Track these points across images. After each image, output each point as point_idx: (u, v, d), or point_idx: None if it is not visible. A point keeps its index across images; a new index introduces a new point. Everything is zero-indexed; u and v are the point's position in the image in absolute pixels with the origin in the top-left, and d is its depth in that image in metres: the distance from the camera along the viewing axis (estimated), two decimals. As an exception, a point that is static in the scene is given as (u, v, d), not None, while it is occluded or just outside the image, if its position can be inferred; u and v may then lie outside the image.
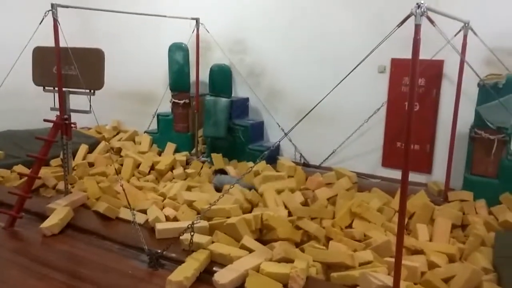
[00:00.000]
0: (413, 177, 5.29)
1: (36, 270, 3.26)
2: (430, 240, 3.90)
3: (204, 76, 6.24)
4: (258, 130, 6.30)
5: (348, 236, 3.90)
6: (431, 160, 5.31)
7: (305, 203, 4.64)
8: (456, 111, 4.68)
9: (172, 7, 6.63)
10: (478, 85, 4.50)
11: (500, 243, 3.53)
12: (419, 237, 3.88)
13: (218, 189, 5.10)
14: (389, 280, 2.78)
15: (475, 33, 4.44)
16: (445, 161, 4.85)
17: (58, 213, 3.93)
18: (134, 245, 3.53)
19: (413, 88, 2.59)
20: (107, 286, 3.05)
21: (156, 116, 6.74)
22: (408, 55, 2.52)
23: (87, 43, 4.83)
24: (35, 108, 5.22)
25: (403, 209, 2.62)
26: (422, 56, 4.87)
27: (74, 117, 4.53)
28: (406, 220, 4.28)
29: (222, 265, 3.14)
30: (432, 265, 3.36)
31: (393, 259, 2.75)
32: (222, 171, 5.67)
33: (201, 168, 5.79)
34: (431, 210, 4.25)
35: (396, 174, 5.22)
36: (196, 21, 6.02)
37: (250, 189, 4.81)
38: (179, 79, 6.33)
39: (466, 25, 4.42)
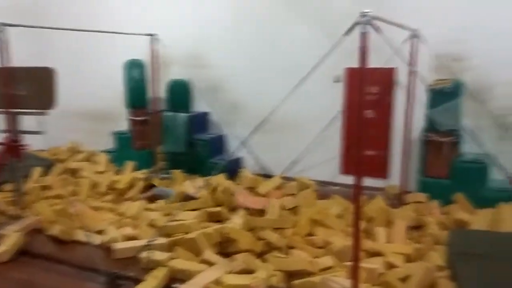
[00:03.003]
0: (371, 182, 5.40)
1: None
2: (388, 242, 3.99)
3: (163, 92, 6.20)
4: (218, 143, 6.29)
5: (309, 244, 3.92)
6: (387, 165, 5.46)
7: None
8: (408, 116, 4.85)
9: (130, 23, 6.52)
10: (427, 90, 4.71)
11: (452, 241, 3.65)
12: (377, 240, 3.96)
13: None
14: (348, 283, 2.81)
15: (422, 41, 4.65)
16: (400, 165, 4.99)
17: (8, 239, 3.76)
18: (90, 267, 3.41)
19: (361, 95, 2.68)
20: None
21: (113, 135, 6.62)
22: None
23: (41, 63, 4.67)
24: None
25: (358, 212, 2.67)
26: (376, 64, 4.95)
27: (28, 139, 4.39)
28: (365, 224, 4.36)
29: (183, 281, 3.09)
30: (390, 266, 3.43)
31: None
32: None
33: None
34: (388, 213, 4.35)
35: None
36: (151, 37, 5.97)
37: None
38: (136, 96, 6.25)
39: (415, 32, 4.61)
